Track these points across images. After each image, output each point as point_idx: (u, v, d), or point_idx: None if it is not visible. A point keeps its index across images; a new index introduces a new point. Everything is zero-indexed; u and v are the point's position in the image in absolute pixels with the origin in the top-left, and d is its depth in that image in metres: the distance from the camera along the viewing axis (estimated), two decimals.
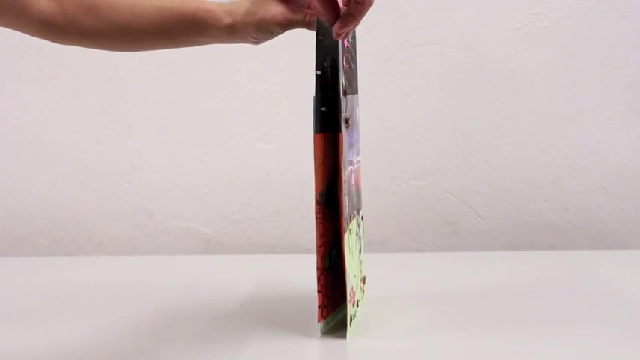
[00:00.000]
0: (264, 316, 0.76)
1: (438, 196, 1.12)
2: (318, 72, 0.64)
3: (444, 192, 1.12)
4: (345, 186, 0.67)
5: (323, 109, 0.66)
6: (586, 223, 1.12)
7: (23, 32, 0.66)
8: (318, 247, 0.68)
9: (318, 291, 0.68)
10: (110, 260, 1.09)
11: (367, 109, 1.03)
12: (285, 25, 0.64)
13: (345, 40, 0.66)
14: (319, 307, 0.68)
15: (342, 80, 0.66)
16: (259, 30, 0.63)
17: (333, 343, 0.68)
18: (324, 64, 0.65)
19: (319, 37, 0.63)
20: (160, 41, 0.66)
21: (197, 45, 0.67)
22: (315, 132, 0.66)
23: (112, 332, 0.72)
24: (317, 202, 0.67)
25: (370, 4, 0.58)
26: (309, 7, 0.64)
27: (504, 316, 0.74)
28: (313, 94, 0.65)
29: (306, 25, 0.64)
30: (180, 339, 0.70)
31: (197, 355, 0.65)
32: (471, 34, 1.09)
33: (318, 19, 0.63)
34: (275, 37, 0.67)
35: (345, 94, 0.67)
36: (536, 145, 1.11)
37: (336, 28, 0.61)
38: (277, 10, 0.63)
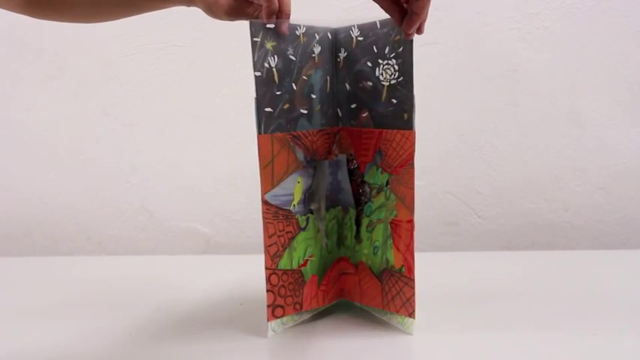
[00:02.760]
0: (263, 315, 0.76)
1: (438, 196, 1.12)
2: (257, 73, 0.64)
3: (444, 192, 1.12)
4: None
5: (268, 109, 0.66)
6: (586, 223, 1.12)
7: (9, 10, 0.68)
8: (267, 246, 0.67)
9: (268, 290, 0.68)
10: (110, 260, 1.09)
11: None
12: (232, 15, 0.65)
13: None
14: (269, 306, 0.68)
15: (395, 78, 0.66)
16: (209, 11, 0.65)
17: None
18: (266, 64, 0.65)
19: (255, 40, 0.63)
20: (128, 10, 0.69)
21: (160, 9, 0.69)
22: (259, 133, 0.65)
23: (111, 332, 0.72)
24: (264, 202, 0.67)
25: None
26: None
27: (504, 316, 0.74)
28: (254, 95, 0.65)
29: (254, 19, 0.65)
30: (180, 339, 0.70)
31: (197, 355, 0.65)
32: (471, 34, 1.09)
33: (250, 22, 0.63)
34: (224, 21, 0.67)
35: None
36: (536, 145, 1.11)
37: (404, 28, 0.62)
38: (228, 0, 0.64)
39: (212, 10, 0.64)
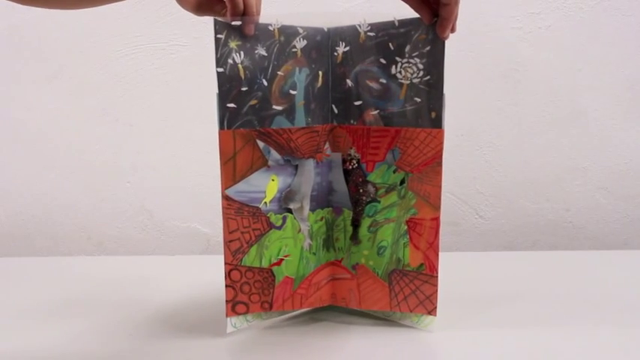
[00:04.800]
0: None
1: None
2: (220, 69, 0.65)
3: (444, 192, 1.12)
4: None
5: (231, 105, 0.65)
6: (587, 223, 1.11)
7: None
8: (228, 242, 0.67)
9: (227, 286, 0.68)
10: (110, 260, 1.08)
11: None
12: (199, 11, 0.65)
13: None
14: (228, 302, 0.68)
15: (414, 77, 0.65)
16: (179, 3, 0.65)
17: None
18: (230, 60, 0.65)
19: (218, 36, 0.64)
20: None
21: None
22: (221, 128, 0.65)
23: (111, 332, 0.72)
24: (225, 198, 0.66)
25: (457, 2, 0.61)
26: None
27: (505, 317, 0.74)
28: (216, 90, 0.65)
29: (222, 17, 0.65)
30: (180, 339, 0.69)
31: (198, 354, 0.65)
32: (472, 33, 1.09)
33: (215, 19, 0.63)
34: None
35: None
36: (538, 144, 1.10)
37: (439, 33, 0.64)
38: None
39: (181, 4, 0.65)
